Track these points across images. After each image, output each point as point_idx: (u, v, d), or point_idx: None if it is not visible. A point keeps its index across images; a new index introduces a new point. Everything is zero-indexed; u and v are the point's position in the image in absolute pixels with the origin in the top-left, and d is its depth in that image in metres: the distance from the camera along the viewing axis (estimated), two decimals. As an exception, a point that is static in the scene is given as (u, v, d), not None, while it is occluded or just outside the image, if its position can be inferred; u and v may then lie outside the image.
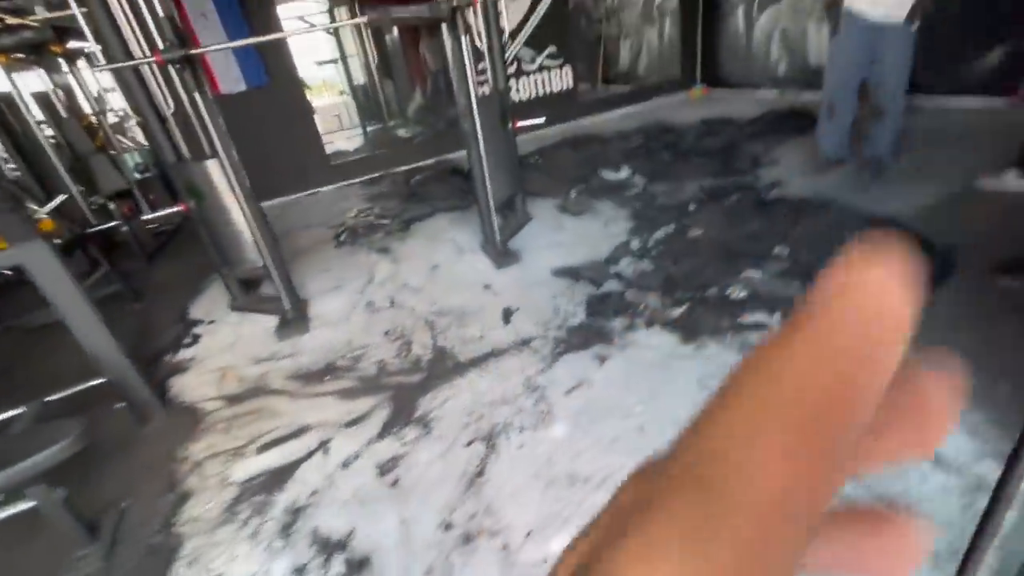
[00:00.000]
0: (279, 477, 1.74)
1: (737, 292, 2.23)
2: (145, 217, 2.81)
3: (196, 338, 2.81)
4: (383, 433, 1.85)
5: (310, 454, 1.82)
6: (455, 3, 2.40)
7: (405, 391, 2.05)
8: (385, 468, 1.69)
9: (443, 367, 2.16)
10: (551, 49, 6.27)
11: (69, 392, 2.13)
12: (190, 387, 2.36)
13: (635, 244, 2.88)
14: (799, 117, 4.64)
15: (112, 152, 4.45)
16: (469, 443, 1.72)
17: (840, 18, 2.96)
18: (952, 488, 1.30)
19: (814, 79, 5.34)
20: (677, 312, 2.18)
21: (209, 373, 2.45)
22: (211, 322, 2.96)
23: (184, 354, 2.67)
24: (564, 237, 3.17)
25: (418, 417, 1.89)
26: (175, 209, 2.72)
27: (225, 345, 2.67)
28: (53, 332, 2.13)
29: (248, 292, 3.06)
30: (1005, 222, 2.44)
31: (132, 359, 2.07)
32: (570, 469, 1.55)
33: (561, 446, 1.64)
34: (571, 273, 2.71)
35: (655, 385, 1.82)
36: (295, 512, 1.59)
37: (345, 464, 1.74)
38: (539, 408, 1.82)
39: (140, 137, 5.19)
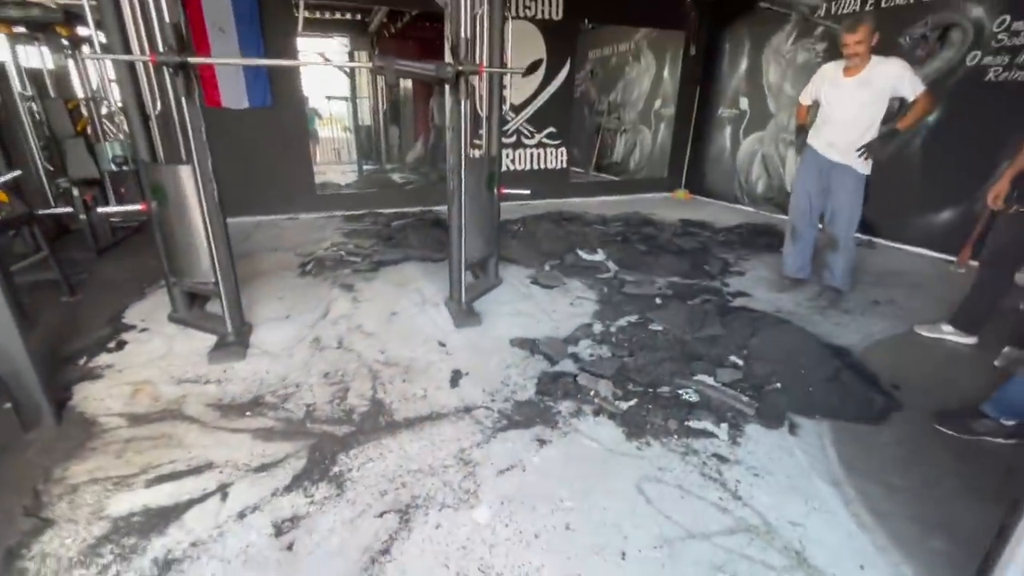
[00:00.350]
0: (162, 518, 1.54)
1: (689, 394, 2.20)
2: (102, 209, 2.68)
3: (122, 344, 2.60)
4: (292, 486, 1.68)
5: (204, 496, 1.63)
6: (461, 68, 2.49)
7: (328, 442, 1.90)
8: (283, 528, 1.52)
9: (375, 423, 2.02)
10: (551, 129, 6.58)
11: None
12: (95, 397, 2.15)
13: (597, 328, 2.87)
14: (770, 234, 4.89)
15: (93, 140, 4.34)
16: (382, 514, 1.57)
17: (805, 151, 3.21)
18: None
19: (787, 202, 5.71)
20: (626, 405, 2.12)
21: (122, 385, 2.25)
22: (144, 330, 2.76)
23: (102, 359, 2.46)
24: (530, 307, 3.15)
25: (334, 474, 1.73)
26: (134, 207, 2.61)
27: (151, 358, 2.48)
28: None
29: (192, 306, 2.89)
30: (941, 371, 2.53)
31: (38, 355, 1.88)
32: (484, 561, 1.41)
33: (480, 532, 1.51)
34: (529, 345, 2.66)
35: (591, 481, 1.72)
36: (166, 565, 1.39)
37: (241, 515, 1.56)
38: (466, 486, 1.69)
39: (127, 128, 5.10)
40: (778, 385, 2.24)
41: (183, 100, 2.18)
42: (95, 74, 5.23)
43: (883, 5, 4.67)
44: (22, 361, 1.82)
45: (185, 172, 2.39)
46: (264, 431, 1.96)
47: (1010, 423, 1.94)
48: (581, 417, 2.06)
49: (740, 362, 2.46)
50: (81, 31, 4.49)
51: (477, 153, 3.14)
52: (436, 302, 3.19)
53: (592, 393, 2.20)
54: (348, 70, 9.77)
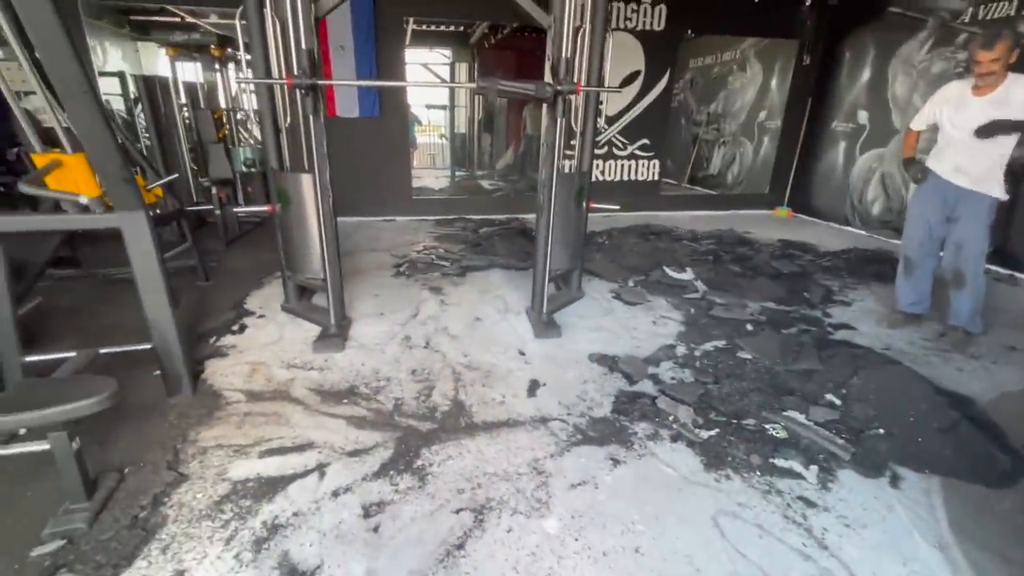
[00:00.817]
0: (271, 487, 1.75)
1: (776, 430, 2.09)
2: (238, 210, 3.09)
3: (243, 328, 2.96)
4: (380, 473, 1.83)
5: (306, 472, 1.83)
6: (560, 88, 2.56)
7: (413, 436, 2.04)
8: (371, 510, 1.66)
9: (456, 423, 2.14)
10: (644, 141, 6.48)
11: (121, 349, 2.29)
12: (222, 373, 2.47)
13: (681, 350, 2.80)
14: (883, 262, 4.46)
15: (230, 145, 4.97)
16: (459, 511, 1.66)
17: (923, 172, 2.90)
18: None
19: (908, 228, 5.15)
20: (707, 434, 2.06)
21: (243, 364, 2.56)
22: (261, 316, 3.12)
23: (228, 340, 2.81)
24: (611, 323, 3.14)
25: (418, 467, 1.86)
26: (263, 208, 2.96)
27: (266, 342, 2.80)
28: (127, 288, 2.31)
29: (302, 298, 3.22)
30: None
31: (181, 333, 2.21)
32: (551, 571, 1.46)
33: (549, 543, 1.56)
34: (608, 361, 2.66)
35: (664, 507, 1.70)
36: (273, 528, 1.58)
37: (335, 494, 1.73)
38: (538, 495, 1.74)
39: (258, 136, 5.76)
40: (881, 431, 2.05)
41: (311, 117, 2.46)
42: (235, 87, 5.98)
43: (1040, 9, 4.09)
44: (171, 336, 2.15)
45: (307, 180, 2.68)
46: (357, 419, 2.15)
47: None
48: (658, 441, 2.04)
49: (838, 401, 2.29)
50: (229, 51, 5.17)
51: (569, 166, 3.19)
52: (518, 311, 3.28)
53: (671, 418, 2.16)
54: (449, 80, 10.26)
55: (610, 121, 6.26)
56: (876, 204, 5.78)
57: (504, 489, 1.77)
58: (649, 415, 2.19)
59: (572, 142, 3.16)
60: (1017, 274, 4.18)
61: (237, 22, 2.75)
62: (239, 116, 5.42)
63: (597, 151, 6.23)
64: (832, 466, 1.90)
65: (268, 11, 2.55)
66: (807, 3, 6.15)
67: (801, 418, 2.17)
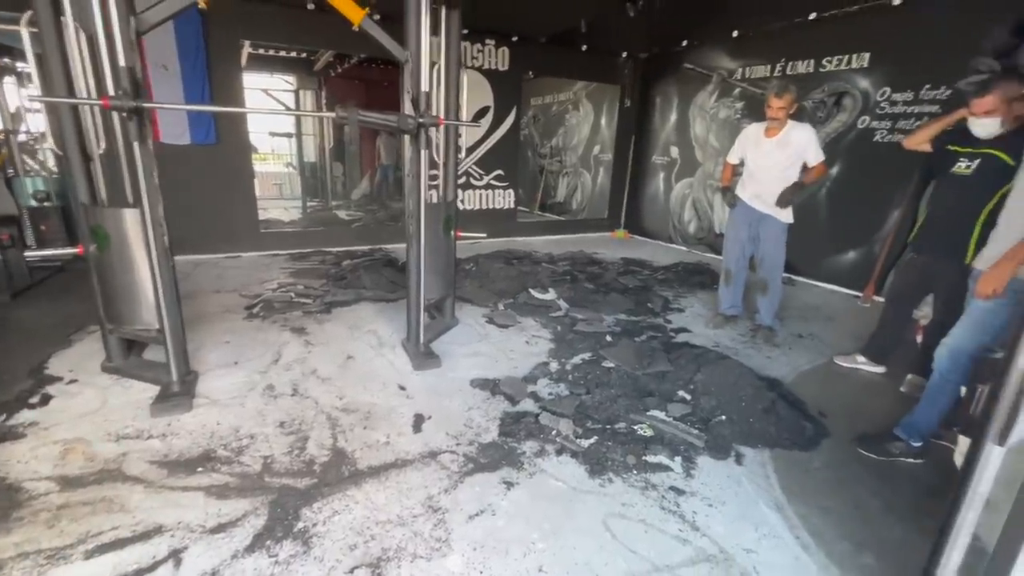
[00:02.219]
0: (106, 593, 1.43)
1: (644, 430, 2.32)
2: (30, 254, 2.48)
3: (47, 398, 2.39)
4: (254, 546, 1.61)
5: (154, 565, 1.52)
6: (422, 120, 2.60)
7: (289, 497, 1.83)
8: (246, 592, 1.45)
9: (338, 473, 1.98)
10: (498, 172, 6.82)
11: None
12: (19, 460, 1.95)
13: (554, 366, 2.97)
14: (703, 273, 5.28)
15: (10, 173, 4.03)
16: (352, 569, 1.53)
17: (734, 199, 3.56)
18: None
19: (717, 243, 6.21)
20: (587, 443, 2.21)
21: (50, 445, 2.06)
22: (72, 382, 2.55)
23: (24, 416, 2.24)
24: (487, 348, 3.20)
25: (299, 531, 1.68)
26: (69, 250, 2.46)
27: (82, 412, 2.29)
28: None
29: (129, 354, 2.72)
30: (859, 398, 2.83)
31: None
32: (461, 610, 1.42)
33: (455, 581, 1.51)
34: (489, 385, 2.70)
35: (559, 521, 1.77)
36: (116, 643, 1.29)
37: (197, 582, 1.47)
38: (437, 534, 1.69)
39: (51, 164, 4.77)
40: (723, 417, 2.41)
41: (136, 144, 2.13)
42: (14, 103, 4.89)
43: (788, 72, 5.33)
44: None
45: (131, 215, 2.30)
46: (218, 488, 1.87)
47: (917, 444, 2.21)
48: (545, 457, 2.12)
49: (688, 396, 2.63)
50: (6, 62, 4.22)
51: (434, 197, 3.23)
52: (393, 344, 3.18)
53: (554, 432, 2.27)
54: (294, 108, 9.67)
55: (466, 153, 6.48)
56: (691, 224, 6.85)
57: (400, 535, 1.68)
58: (534, 433, 2.27)
59: (434, 172, 3.22)
60: (795, 277, 5.28)
61: (23, 29, 2.30)
62: (21, 139, 4.42)
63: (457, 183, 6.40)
64: (692, 454, 2.18)
65: (69, 20, 2.18)
66: (624, 55, 7.15)
67: (662, 415, 2.45)
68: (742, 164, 3.57)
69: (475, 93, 6.24)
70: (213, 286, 4.22)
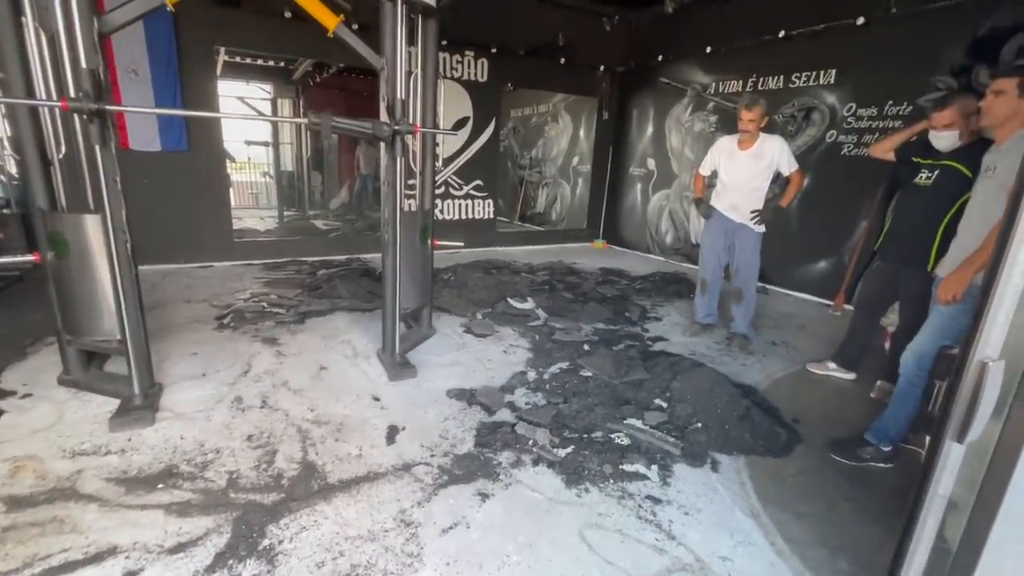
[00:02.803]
0: (52, 620, 1.34)
1: (621, 438, 2.31)
2: (-19, 260, 2.34)
3: (-3, 414, 2.27)
4: (215, 566, 1.53)
5: (107, 588, 1.44)
6: (397, 127, 2.58)
7: (255, 513, 1.76)
8: (206, 614, 1.38)
9: (307, 488, 1.91)
10: (478, 182, 6.83)
11: None
12: (-37, 480, 1.84)
13: (531, 375, 2.95)
14: (680, 282, 5.34)
15: (-34, 179, 3.87)
16: (319, 587, 1.48)
17: (709, 209, 3.62)
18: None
19: (693, 253, 6.30)
20: (563, 452, 2.19)
21: (-2, 463, 1.95)
22: (26, 396, 2.43)
23: (-30, 433, 2.12)
24: (464, 357, 3.17)
25: (264, 548, 1.61)
26: (25, 258, 2.35)
27: (36, 428, 2.18)
28: None
29: (89, 366, 2.60)
30: (831, 404, 2.87)
31: None
32: (432, 628, 1.37)
33: (426, 597, 1.47)
34: (466, 395, 2.67)
35: (535, 533, 1.74)
36: (60, 674, 1.20)
37: (153, 605, 1.40)
38: (408, 549, 1.64)
39: (12, 170, 4.59)
40: (699, 425, 2.42)
41: (96, 148, 2.06)
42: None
43: (760, 87, 5.48)
44: None
45: (92, 222, 2.22)
46: (179, 505, 1.78)
47: (887, 448, 2.24)
48: (521, 467, 2.09)
49: (664, 404, 2.63)
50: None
51: (412, 206, 3.20)
52: (368, 354, 3.12)
53: (531, 442, 2.24)
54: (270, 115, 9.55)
55: (445, 163, 6.49)
56: (668, 235, 6.95)
57: (371, 551, 1.63)
58: (511, 443, 2.24)
59: (412, 181, 3.19)
60: (768, 286, 5.38)
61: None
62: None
63: (436, 191, 6.39)
64: (668, 463, 2.17)
65: (29, 20, 2.11)
66: (601, 68, 7.27)
67: (639, 424, 2.44)
68: (714, 175, 3.63)
69: (454, 104, 6.26)
70: (182, 296, 4.09)
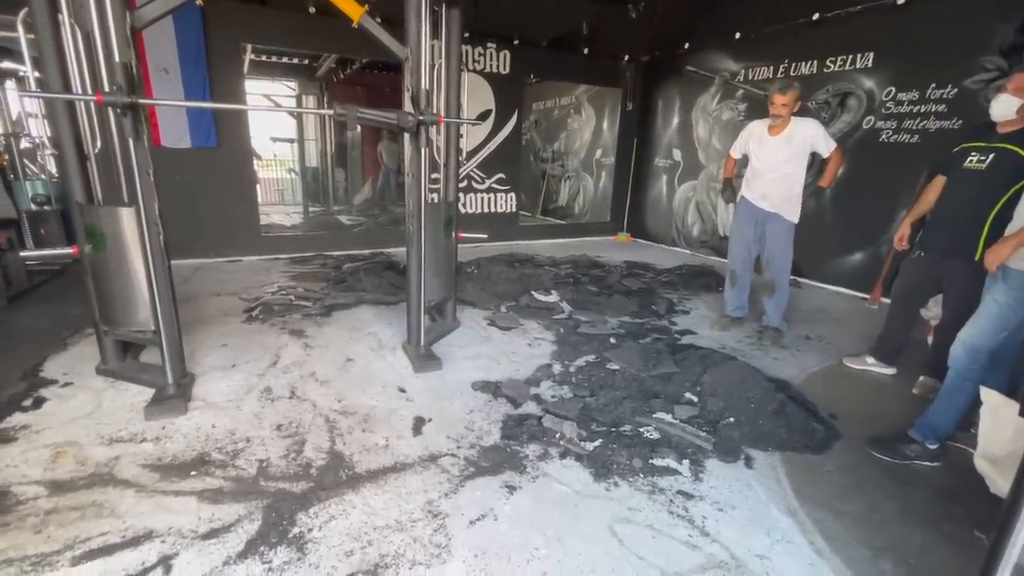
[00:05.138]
0: (92, 601, 1.37)
1: (650, 432, 2.26)
2: (27, 253, 2.41)
3: (40, 401, 2.34)
4: (247, 552, 1.55)
5: (144, 572, 1.47)
6: (422, 118, 2.56)
7: (284, 501, 1.77)
8: (238, 600, 1.39)
9: (336, 477, 1.92)
10: (500, 175, 6.79)
11: None
12: (8, 464, 1.90)
13: (557, 368, 2.91)
14: (707, 275, 5.21)
15: (12, 178, 4.02)
16: (349, 576, 1.47)
17: (734, 194, 3.51)
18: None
19: (721, 245, 6.15)
20: (591, 446, 2.15)
21: (41, 448, 2.01)
22: (67, 384, 2.51)
23: (16, 419, 2.19)
24: (489, 350, 3.15)
25: (294, 536, 1.62)
26: (63, 251, 2.42)
27: (76, 415, 2.24)
28: None
29: (125, 356, 2.67)
30: (870, 399, 2.75)
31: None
32: (461, 620, 1.36)
33: (455, 589, 1.45)
34: (491, 388, 2.65)
35: (563, 526, 1.71)
36: (100, 654, 1.23)
37: (187, 590, 1.42)
38: (436, 539, 1.63)
39: (52, 168, 4.76)
40: (731, 419, 2.35)
41: (130, 141, 2.09)
42: (16, 109, 4.90)
43: (792, 73, 5.30)
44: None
45: (127, 214, 2.26)
46: (212, 492, 1.81)
47: (933, 446, 2.13)
48: (548, 460, 2.06)
49: (695, 398, 2.57)
50: (6, 65, 4.22)
51: (435, 198, 3.19)
52: (393, 346, 3.13)
53: (558, 435, 2.21)
54: (295, 113, 9.69)
55: (468, 156, 6.47)
56: (695, 227, 6.80)
57: (399, 541, 1.62)
58: (537, 435, 2.21)
59: (435, 175, 3.18)
60: (800, 279, 5.21)
61: (21, 31, 2.27)
62: (25, 144, 4.41)
63: (459, 184, 6.40)
64: (700, 458, 2.11)
65: (65, 18, 2.15)
66: (626, 58, 7.13)
67: (668, 418, 2.38)
68: (744, 162, 3.52)
69: (477, 97, 6.23)
70: (212, 289, 4.18)
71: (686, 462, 2.07)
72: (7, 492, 1.76)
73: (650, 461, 2.06)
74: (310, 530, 1.65)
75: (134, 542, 1.57)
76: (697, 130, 6.61)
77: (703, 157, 6.57)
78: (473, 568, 1.53)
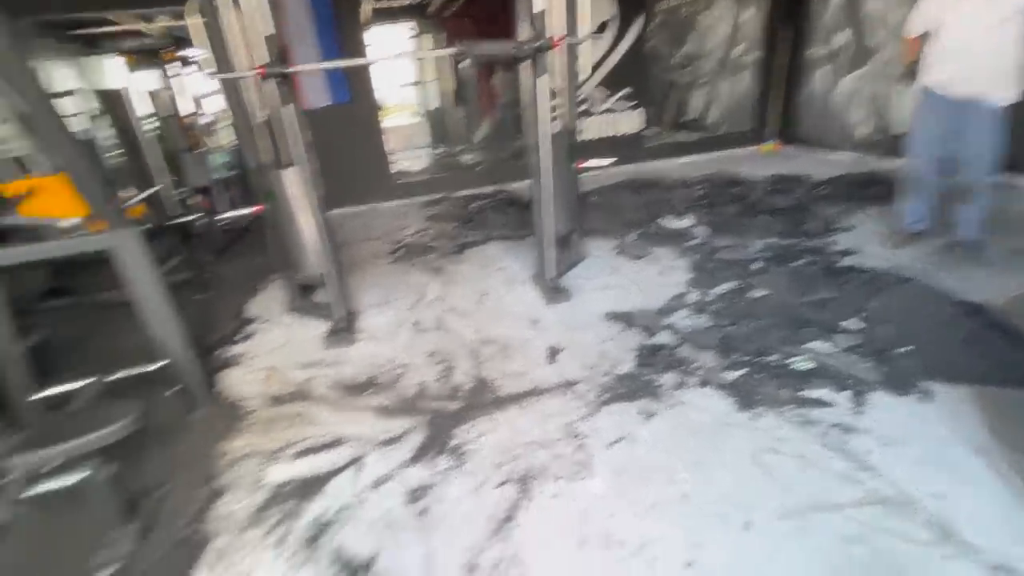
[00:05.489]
0: (310, 487, 1.74)
1: (801, 363, 2.09)
2: (222, 216, 2.97)
3: (249, 335, 2.91)
4: (416, 458, 1.82)
5: (343, 468, 1.82)
6: (538, 44, 2.45)
7: (442, 418, 2.02)
8: (415, 496, 1.66)
9: (482, 399, 2.12)
10: (626, 90, 6.32)
11: (129, 373, 2.23)
12: (237, 383, 2.43)
13: (693, 297, 2.78)
14: (878, 184, 4.42)
15: (200, 151, 4.80)
16: (501, 484, 1.66)
17: (921, 93, 2.82)
18: None
19: (896, 145, 5.12)
20: (733, 376, 2.06)
21: (256, 371, 2.52)
22: (265, 321, 3.06)
23: (236, 349, 2.76)
24: (618, 280, 3.11)
25: (452, 447, 1.85)
26: (250, 210, 2.87)
27: (275, 346, 2.76)
28: (120, 311, 2.25)
29: (303, 296, 3.16)
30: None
31: (192, 348, 2.16)
32: (605, 530, 1.47)
33: (597, 503, 1.56)
34: (623, 318, 2.64)
35: (703, 452, 1.71)
36: (322, 526, 1.58)
37: (376, 485, 1.73)
38: (577, 457, 1.74)
39: (225, 139, 5.57)
40: (905, 349, 2.06)
41: (291, 107, 2.34)
42: (193, 90, 5.74)
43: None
44: (184, 353, 2.10)
45: (291, 174, 2.59)
46: (383, 409, 2.13)
47: None
48: (686, 389, 2.04)
49: (858, 326, 2.29)
50: (183, 52, 4.93)
51: (556, 127, 3.11)
52: (523, 280, 3.25)
53: (695, 364, 2.15)
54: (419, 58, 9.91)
55: (588, 74, 6.10)
56: (862, 126, 5.72)
57: (543, 456, 1.77)
58: (673, 365, 2.18)
59: (554, 103, 3.06)
60: (1016, 177, 4.16)
61: (188, 19, 2.60)
62: (203, 121, 5.22)
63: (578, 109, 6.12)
64: (863, 389, 1.91)
65: (219, 4, 2.41)
66: (772, -74, 5.93)
67: (824, 347, 2.17)
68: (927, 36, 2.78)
69: (594, 5, 5.74)
70: (361, 235, 4.67)
71: (845, 394, 1.89)
72: (239, 404, 2.27)
73: (800, 392, 1.93)
74: (465, 443, 1.87)
75: (332, 445, 1.94)
76: (866, 5, 5.38)
77: (875, 39, 5.38)
78: (614, 484, 1.62)
